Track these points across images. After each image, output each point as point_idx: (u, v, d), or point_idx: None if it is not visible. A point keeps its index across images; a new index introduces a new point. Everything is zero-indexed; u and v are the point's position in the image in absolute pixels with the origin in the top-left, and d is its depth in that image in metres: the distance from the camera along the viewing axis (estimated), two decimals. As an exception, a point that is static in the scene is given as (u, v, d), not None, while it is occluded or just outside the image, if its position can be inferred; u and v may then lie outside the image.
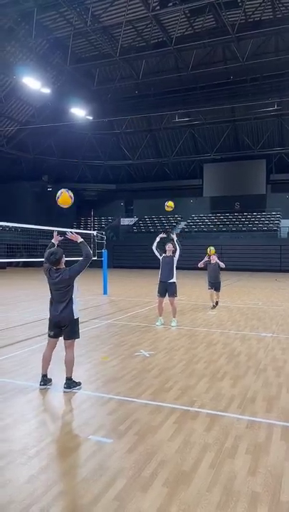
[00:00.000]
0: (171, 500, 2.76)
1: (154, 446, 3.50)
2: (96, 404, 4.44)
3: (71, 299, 4.77)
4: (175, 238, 9.18)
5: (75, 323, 4.85)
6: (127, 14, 22.26)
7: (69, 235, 5.03)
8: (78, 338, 4.93)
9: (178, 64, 27.98)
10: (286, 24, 21.83)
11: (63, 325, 4.81)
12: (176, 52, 25.35)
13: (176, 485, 2.94)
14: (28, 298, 13.78)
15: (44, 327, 8.47)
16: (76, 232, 5.17)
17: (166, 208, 9.87)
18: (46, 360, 4.92)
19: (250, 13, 23.17)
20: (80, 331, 4.98)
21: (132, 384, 5.04)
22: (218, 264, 11.25)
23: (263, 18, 23.39)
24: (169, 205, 9.81)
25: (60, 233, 5.29)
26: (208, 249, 11.60)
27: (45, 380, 4.89)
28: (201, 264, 11.50)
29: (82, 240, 4.94)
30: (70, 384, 4.79)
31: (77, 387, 4.82)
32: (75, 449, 3.47)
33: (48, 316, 4.94)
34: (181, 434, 3.72)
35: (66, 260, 4.96)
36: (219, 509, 2.68)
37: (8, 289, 17.29)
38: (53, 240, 5.18)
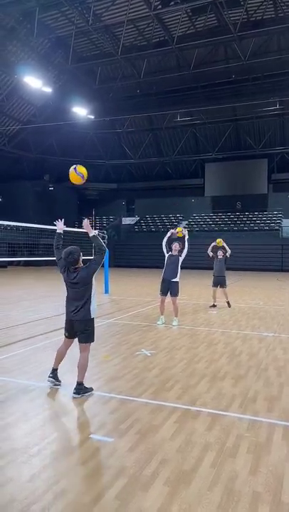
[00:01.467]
0: (172, 500, 2.76)
1: (155, 445, 3.50)
2: (97, 403, 4.44)
3: (89, 298, 4.58)
4: (187, 236, 9.13)
5: (90, 323, 4.65)
6: (129, 13, 22.27)
7: (84, 224, 4.85)
8: (93, 341, 4.74)
9: (179, 63, 27.96)
10: (288, 23, 21.79)
11: (77, 325, 4.62)
12: (178, 52, 25.33)
13: (177, 484, 2.94)
14: (30, 297, 13.78)
15: (45, 326, 8.50)
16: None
17: None
18: (60, 356, 4.82)
19: (252, 12, 23.15)
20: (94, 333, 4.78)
21: (133, 383, 5.04)
22: (225, 258, 11.39)
23: (264, 17, 23.36)
24: None
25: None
26: (217, 241, 11.91)
27: (55, 374, 4.81)
28: (209, 252, 11.62)
29: (94, 233, 4.79)
30: (80, 390, 4.55)
31: (88, 393, 4.62)
32: (77, 448, 3.47)
33: (64, 315, 4.78)
34: (182, 434, 3.72)
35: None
36: (220, 509, 2.68)
37: (9, 288, 17.30)
38: (58, 230, 5.00)
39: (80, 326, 4.64)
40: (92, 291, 4.62)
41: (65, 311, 4.77)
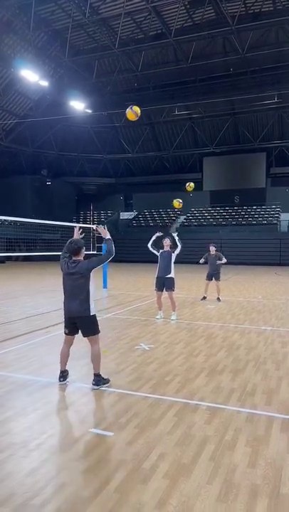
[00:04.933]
0: (171, 493, 2.77)
1: (154, 438, 3.51)
2: (96, 397, 4.45)
3: (88, 294, 4.59)
4: (176, 238, 9.07)
5: (92, 319, 4.66)
6: (126, 6, 22.09)
7: (100, 229, 5.07)
8: (99, 333, 4.74)
9: (177, 56, 27.79)
10: (286, 16, 21.65)
11: (78, 322, 4.64)
12: (176, 45, 25.17)
13: (177, 477, 2.95)
14: (28, 292, 13.77)
15: (44, 321, 8.50)
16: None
17: (176, 205, 10.47)
18: (64, 357, 4.81)
19: (250, 4, 22.99)
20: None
21: (132, 377, 5.05)
22: (219, 255, 11.81)
23: (263, 9, 23.19)
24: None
25: (82, 229, 5.28)
26: (187, 184, 13.30)
27: (65, 376, 4.80)
28: (201, 261, 12.09)
29: (110, 237, 4.92)
30: (99, 381, 4.66)
31: (107, 384, 4.69)
32: (76, 442, 3.48)
33: (63, 312, 4.78)
34: (181, 427, 3.73)
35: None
36: (219, 501, 2.70)
37: (7, 283, 17.28)
38: (74, 237, 5.11)
39: (82, 323, 4.65)
40: (90, 287, 4.62)
41: (63, 308, 4.76)
